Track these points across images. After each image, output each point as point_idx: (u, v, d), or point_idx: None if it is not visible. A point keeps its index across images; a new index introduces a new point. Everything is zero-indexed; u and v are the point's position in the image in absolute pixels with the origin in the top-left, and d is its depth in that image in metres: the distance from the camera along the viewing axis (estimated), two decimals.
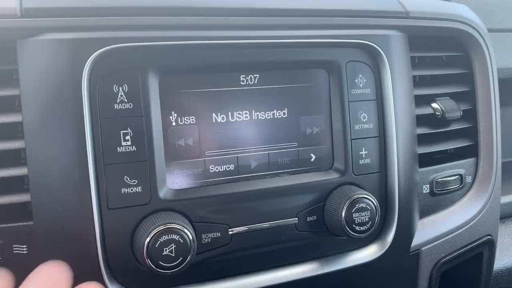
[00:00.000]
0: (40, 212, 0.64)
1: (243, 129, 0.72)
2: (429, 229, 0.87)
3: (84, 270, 0.64)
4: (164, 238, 0.63)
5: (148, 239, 0.62)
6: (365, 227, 0.74)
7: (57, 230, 0.64)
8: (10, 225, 0.64)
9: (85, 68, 0.62)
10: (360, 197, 0.73)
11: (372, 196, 0.74)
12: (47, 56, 0.62)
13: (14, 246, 0.64)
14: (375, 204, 0.74)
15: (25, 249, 0.64)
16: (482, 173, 0.93)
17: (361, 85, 0.77)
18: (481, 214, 0.92)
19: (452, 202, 0.91)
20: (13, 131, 0.65)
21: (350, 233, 0.73)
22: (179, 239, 0.64)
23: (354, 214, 0.73)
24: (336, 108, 0.76)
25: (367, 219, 0.74)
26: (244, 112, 0.72)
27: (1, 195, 0.64)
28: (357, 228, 0.74)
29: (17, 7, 0.62)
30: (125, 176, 0.65)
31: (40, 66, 0.62)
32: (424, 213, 0.88)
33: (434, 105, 0.88)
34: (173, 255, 0.63)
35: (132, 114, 0.65)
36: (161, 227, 0.63)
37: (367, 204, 0.74)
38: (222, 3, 0.70)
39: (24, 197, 0.64)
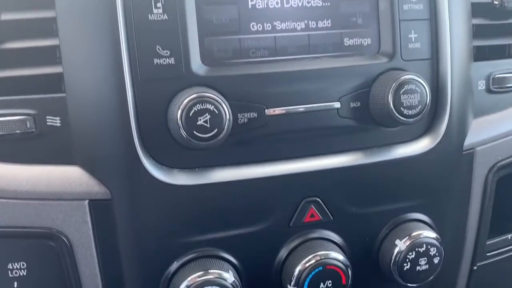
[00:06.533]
0: (72, 83, 0.62)
1: (282, 9, 0.67)
2: (485, 129, 0.80)
3: (118, 144, 0.62)
4: (199, 107, 0.60)
5: (182, 107, 0.59)
6: (414, 111, 0.68)
7: (89, 103, 0.62)
8: (43, 96, 0.63)
9: None
10: (409, 78, 0.67)
11: (423, 79, 0.68)
12: None
13: (47, 117, 0.63)
14: (426, 87, 0.68)
15: (58, 121, 0.63)
16: None
17: None
18: None
19: None
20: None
21: (397, 117, 0.67)
22: (214, 109, 0.60)
23: (402, 96, 0.67)
24: None
25: (416, 103, 0.68)
26: None
27: (34, 67, 0.63)
28: (405, 111, 0.68)
29: None
30: (157, 46, 0.62)
31: None
32: (480, 113, 0.80)
33: None
34: (208, 125, 0.60)
35: None
36: (195, 95, 0.60)
37: (417, 86, 0.68)
38: None
39: (56, 69, 0.63)
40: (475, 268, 0.86)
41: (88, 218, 0.64)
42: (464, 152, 0.78)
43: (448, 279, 0.85)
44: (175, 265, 0.66)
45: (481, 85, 0.80)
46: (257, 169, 0.68)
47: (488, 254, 0.88)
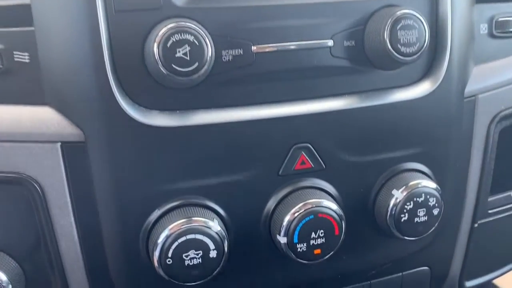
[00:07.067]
0: (41, 16, 0.57)
1: None
2: (488, 76, 0.75)
3: (91, 82, 0.57)
4: (177, 37, 0.55)
5: (158, 38, 0.54)
6: (412, 49, 0.63)
7: (59, 37, 0.57)
8: (10, 29, 0.58)
9: None
10: (407, 12, 0.63)
11: (421, 14, 0.64)
12: None
13: (15, 52, 0.58)
14: (424, 23, 0.63)
15: (27, 57, 0.58)
16: None
17: None
18: None
19: None
20: None
21: (394, 55, 0.62)
22: (194, 40, 0.56)
23: (399, 32, 0.62)
24: None
25: (414, 40, 0.63)
26: None
27: None
28: (402, 49, 0.63)
29: None
30: None
31: None
32: (482, 59, 0.76)
33: None
34: (188, 58, 0.55)
35: None
36: (173, 25, 0.55)
37: (415, 21, 0.63)
38: None
39: (23, 0, 0.58)
40: (476, 225, 0.82)
41: (61, 162, 0.59)
42: (465, 99, 0.73)
43: (448, 236, 0.81)
44: (156, 214, 0.61)
45: (483, 29, 0.75)
46: (243, 112, 0.63)
47: (489, 211, 0.83)
